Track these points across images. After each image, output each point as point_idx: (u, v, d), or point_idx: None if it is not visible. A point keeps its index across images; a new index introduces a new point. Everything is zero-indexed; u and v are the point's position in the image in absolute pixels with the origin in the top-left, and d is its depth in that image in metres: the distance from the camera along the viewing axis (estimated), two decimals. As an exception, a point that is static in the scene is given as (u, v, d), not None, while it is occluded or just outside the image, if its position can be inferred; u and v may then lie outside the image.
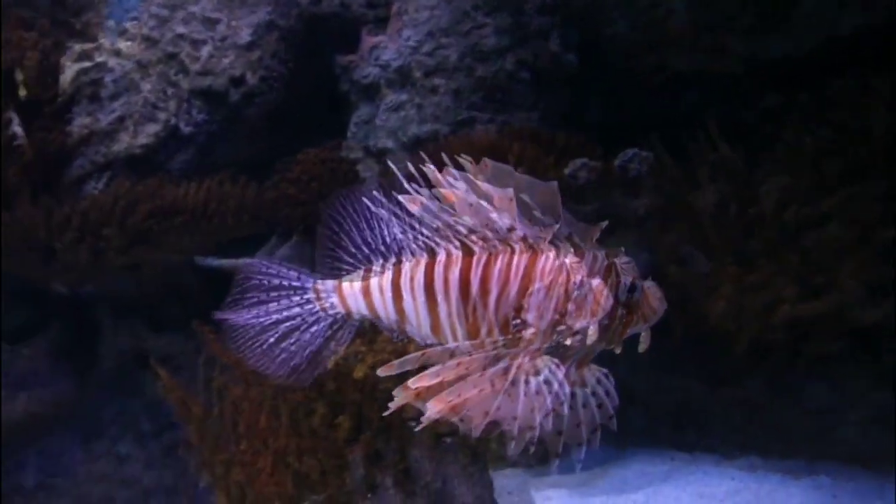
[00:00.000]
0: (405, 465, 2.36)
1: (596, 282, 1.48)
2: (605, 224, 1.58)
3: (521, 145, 3.17)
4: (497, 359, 1.44)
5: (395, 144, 3.67)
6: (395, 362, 1.45)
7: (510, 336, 1.46)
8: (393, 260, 1.56)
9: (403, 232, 1.54)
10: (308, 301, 1.64)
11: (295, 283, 1.66)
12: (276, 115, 3.95)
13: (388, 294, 1.54)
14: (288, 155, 3.69)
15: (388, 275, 1.54)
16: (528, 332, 1.47)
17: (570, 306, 1.47)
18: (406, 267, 1.53)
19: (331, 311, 1.63)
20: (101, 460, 3.50)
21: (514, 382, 1.44)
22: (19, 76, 3.10)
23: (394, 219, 1.53)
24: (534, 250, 1.48)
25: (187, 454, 2.63)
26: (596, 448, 1.61)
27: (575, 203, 3.55)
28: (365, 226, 1.61)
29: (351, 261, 1.62)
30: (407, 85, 3.70)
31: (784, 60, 4.28)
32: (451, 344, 1.48)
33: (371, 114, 3.78)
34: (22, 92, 3.18)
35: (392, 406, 1.46)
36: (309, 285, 1.64)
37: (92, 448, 3.52)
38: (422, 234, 1.52)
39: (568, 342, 1.50)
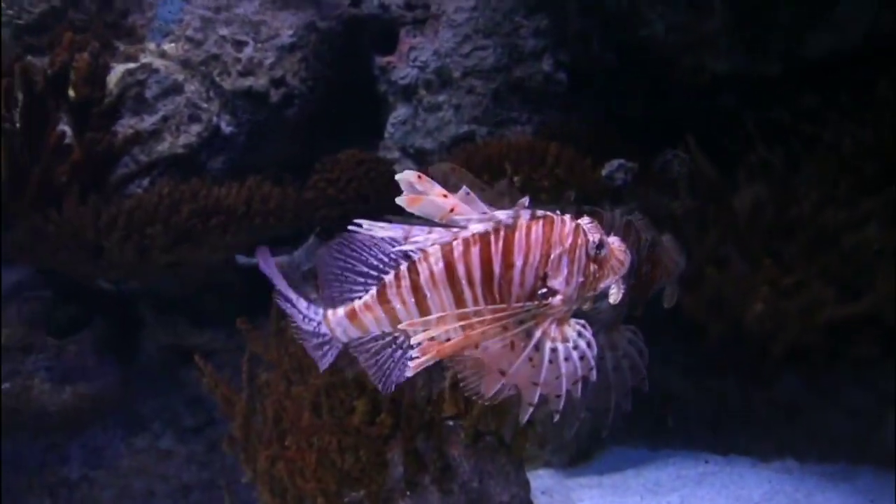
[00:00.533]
0: (443, 463, 2.39)
1: (614, 239, 1.47)
2: (572, 195, 1.55)
3: (558, 146, 3.19)
4: (521, 323, 1.40)
5: (433, 145, 3.70)
6: (418, 320, 1.43)
7: (538, 303, 1.42)
8: (404, 266, 1.48)
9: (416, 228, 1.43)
10: (322, 329, 1.58)
11: (307, 313, 1.60)
12: (315, 115, 4.00)
13: (411, 300, 1.47)
14: (326, 154, 3.73)
15: (406, 282, 1.47)
16: (557, 300, 1.43)
17: (593, 267, 1.44)
18: (422, 265, 1.45)
19: (345, 339, 1.56)
20: (143, 455, 3.58)
21: (537, 347, 1.40)
22: (71, 77, 3.17)
23: (390, 236, 1.45)
24: (547, 217, 1.44)
25: (230, 450, 2.68)
26: (628, 410, 1.59)
27: (612, 204, 3.56)
28: (365, 255, 1.54)
29: (360, 290, 1.55)
30: (445, 86, 3.73)
31: (822, 60, 4.24)
32: (474, 308, 1.42)
33: (408, 114, 3.82)
34: (71, 93, 3.26)
35: (414, 365, 1.40)
36: (319, 318, 1.58)
37: (134, 443, 3.60)
38: (430, 234, 1.44)
39: (592, 306, 1.47)
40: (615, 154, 3.67)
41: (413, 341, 1.41)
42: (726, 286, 3.32)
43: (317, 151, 3.94)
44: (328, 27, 3.93)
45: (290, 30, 3.71)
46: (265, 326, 3.32)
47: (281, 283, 1.64)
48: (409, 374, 1.43)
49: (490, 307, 1.41)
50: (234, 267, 3.45)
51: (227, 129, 3.82)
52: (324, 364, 1.61)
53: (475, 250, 1.42)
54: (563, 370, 1.41)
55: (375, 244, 1.53)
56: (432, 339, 1.41)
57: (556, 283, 1.42)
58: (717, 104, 4.27)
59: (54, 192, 3.26)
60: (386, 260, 1.53)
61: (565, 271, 1.42)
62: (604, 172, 3.48)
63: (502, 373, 1.40)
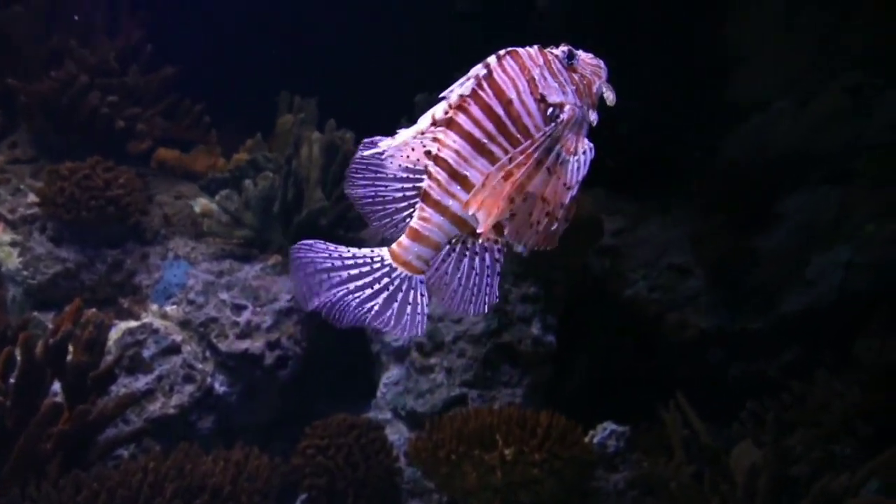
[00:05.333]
0: None
1: (579, 50, 1.49)
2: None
3: (549, 416, 3.21)
4: (551, 150, 1.42)
5: (424, 408, 3.70)
6: (471, 196, 1.41)
7: (555, 123, 1.44)
8: (431, 165, 1.46)
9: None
10: (389, 269, 1.50)
11: (368, 259, 1.52)
12: (307, 374, 4.05)
13: (457, 189, 1.44)
14: (317, 415, 3.71)
15: (443, 175, 1.45)
16: (566, 110, 1.45)
17: (576, 76, 1.47)
18: (446, 150, 1.44)
19: (422, 266, 1.50)
20: None
21: (560, 162, 1.42)
22: (72, 345, 3.23)
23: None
24: (509, 50, 1.46)
25: None
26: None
27: (605, 471, 3.50)
28: (386, 169, 1.51)
29: (402, 204, 1.52)
30: (437, 349, 3.82)
31: (801, 316, 4.40)
32: (507, 156, 1.42)
33: (401, 375, 3.86)
34: (69, 358, 3.30)
35: (483, 229, 1.39)
36: (385, 257, 1.51)
37: None
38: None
39: (594, 116, 1.48)
40: (606, 415, 3.67)
41: (479, 226, 1.40)
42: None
43: (308, 409, 3.93)
44: (325, 289, 4.08)
45: (288, 294, 3.86)
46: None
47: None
48: (481, 238, 1.45)
49: (519, 148, 1.42)
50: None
51: (220, 388, 3.85)
52: (424, 317, 1.50)
53: (474, 108, 1.44)
54: (566, 180, 1.43)
55: (390, 154, 1.50)
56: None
57: (555, 96, 1.46)
58: (704, 359, 4.37)
59: (38, 459, 3.19)
60: (409, 164, 1.49)
61: (554, 84, 1.46)
62: (595, 440, 3.46)
63: (545, 199, 1.42)
